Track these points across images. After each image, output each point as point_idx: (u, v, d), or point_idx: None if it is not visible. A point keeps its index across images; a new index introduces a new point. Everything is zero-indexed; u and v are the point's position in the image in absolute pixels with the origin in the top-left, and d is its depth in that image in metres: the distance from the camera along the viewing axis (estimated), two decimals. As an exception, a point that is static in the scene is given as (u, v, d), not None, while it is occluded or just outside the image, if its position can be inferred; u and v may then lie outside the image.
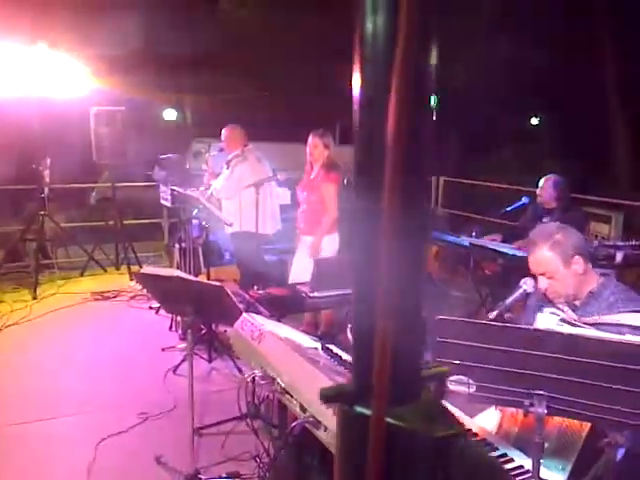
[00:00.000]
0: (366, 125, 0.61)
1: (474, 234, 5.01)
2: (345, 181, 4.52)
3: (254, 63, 10.98)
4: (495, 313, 2.23)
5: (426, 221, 0.63)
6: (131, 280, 6.32)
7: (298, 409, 1.86)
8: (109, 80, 7.98)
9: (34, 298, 5.96)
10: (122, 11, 8.93)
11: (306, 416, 1.79)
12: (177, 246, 5.36)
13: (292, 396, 1.90)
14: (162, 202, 5.77)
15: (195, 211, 4.92)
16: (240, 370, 4.04)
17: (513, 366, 1.65)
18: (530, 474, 1.73)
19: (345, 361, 2.16)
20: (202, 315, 2.93)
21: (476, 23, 10.45)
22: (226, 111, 9.22)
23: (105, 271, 7.00)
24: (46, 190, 6.48)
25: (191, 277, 3.17)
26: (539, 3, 10.05)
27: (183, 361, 4.16)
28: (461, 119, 10.16)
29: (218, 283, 2.73)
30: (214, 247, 6.10)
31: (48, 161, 6.45)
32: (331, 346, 2.33)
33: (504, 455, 1.93)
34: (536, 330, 1.82)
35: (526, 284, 2.29)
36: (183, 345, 4.50)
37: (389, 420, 0.57)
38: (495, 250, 4.66)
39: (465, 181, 8.44)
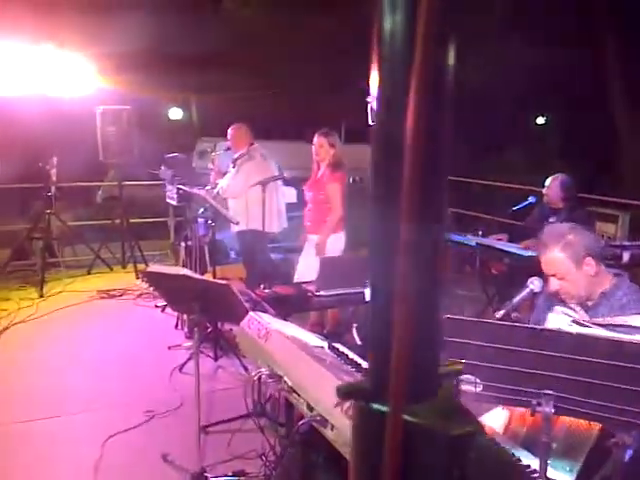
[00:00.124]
0: (384, 125, 0.60)
1: (480, 233, 5.00)
2: (351, 180, 4.53)
3: (259, 62, 10.98)
4: (502, 312, 2.23)
5: (445, 220, 0.63)
6: (137, 278, 6.34)
7: (305, 407, 1.86)
8: (115, 79, 8.00)
9: (41, 296, 5.98)
10: (128, 10, 8.94)
11: (313, 415, 1.79)
12: (183, 245, 5.38)
13: (299, 394, 1.90)
14: (168, 201, 5.78)
15: (201, 210, 4.92)
16: (246, 368, 4.05)
17: (521, 365, 1.64)
18: (537, 474, 1.73)
19: (352, 360, 2.16)
20: (208, 313, 2.94)
21: (485, 22, 10.40)
22: (232, 110, 9.22)
23: (111, 269, 7.02)
24: (53, 189, 6.51)
25: (197, 275, 3.18)
26: (547, 2, 10.01)
27: (189, 359, 4.18)
28: (467, 118, 10.12)
29: (224, 281, 2.73)
30: (220, 246, 6.10)
31: (55, 160, 6.47)
32: (337, 345, 2.33)
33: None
34: (544, 330, 1.81)
35: (533, 284, 2.28)
36: (189, 343, 4.50)
37: (405, 417, 0.57)
38: (501, 250, 4.65)
39: (471, 180, 8.41)
